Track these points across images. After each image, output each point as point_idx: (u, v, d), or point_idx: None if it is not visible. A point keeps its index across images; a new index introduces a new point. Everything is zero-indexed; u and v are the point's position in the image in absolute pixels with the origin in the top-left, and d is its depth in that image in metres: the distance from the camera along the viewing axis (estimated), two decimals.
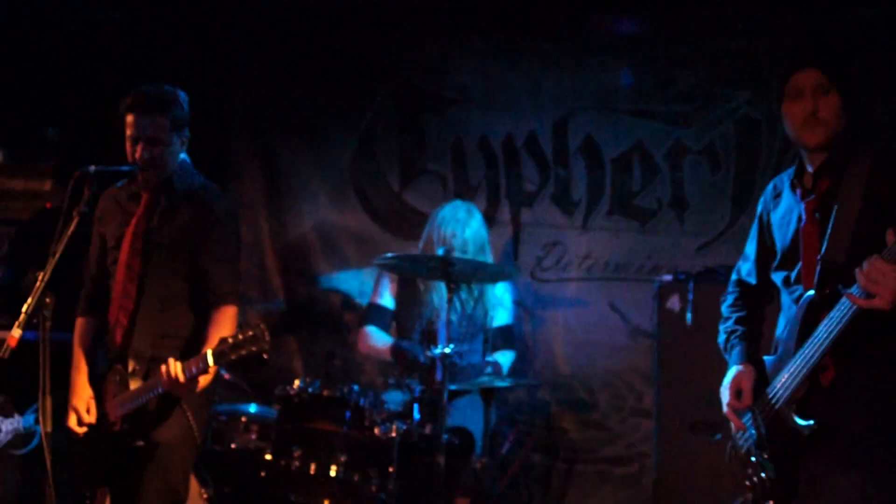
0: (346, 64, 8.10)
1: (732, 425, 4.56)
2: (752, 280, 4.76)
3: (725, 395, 4.48)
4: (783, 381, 4.20)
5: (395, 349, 6.82)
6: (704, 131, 7.37)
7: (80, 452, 5.53)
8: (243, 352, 4.85)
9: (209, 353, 4.94)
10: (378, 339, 7.02)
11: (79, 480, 5.60)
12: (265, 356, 4.90)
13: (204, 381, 5.24)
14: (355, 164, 8.09)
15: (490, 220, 7.69)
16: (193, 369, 5.05)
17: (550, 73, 7.71)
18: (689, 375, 6.41)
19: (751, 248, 4.80)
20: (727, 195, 7.31)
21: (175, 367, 5.05)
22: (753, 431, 4.42)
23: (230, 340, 4.88)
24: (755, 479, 4.40)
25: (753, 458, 4.41)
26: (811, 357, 4.06)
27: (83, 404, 5.45)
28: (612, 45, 7.60)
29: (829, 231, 4.17)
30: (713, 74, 7.34)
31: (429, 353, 6.08)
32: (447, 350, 5.84)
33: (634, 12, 7.53)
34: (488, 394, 6.23)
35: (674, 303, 6.54)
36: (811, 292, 4.17)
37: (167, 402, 5.33)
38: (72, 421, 5.44)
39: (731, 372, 4.51)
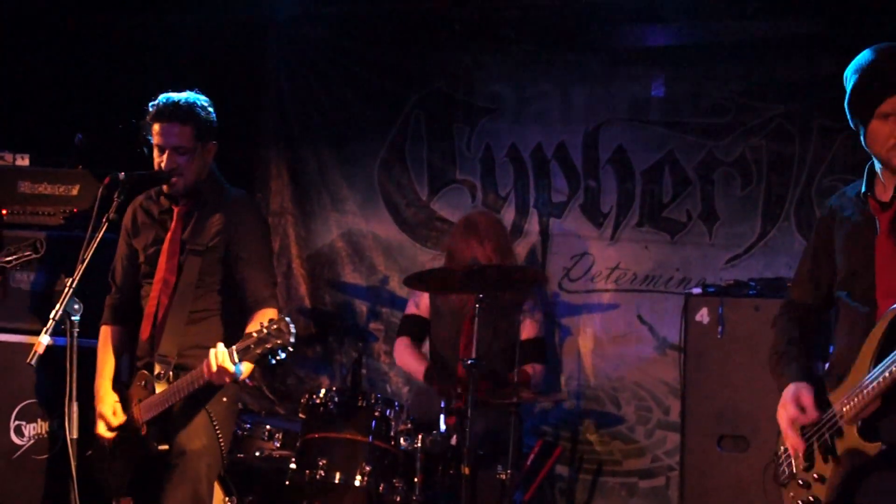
0: (377, 72, 8.09)
1: (782, 446, 4.45)
2: (808, 301, 4.62)
3: (789, 410, 4.27)
4: (849, 398, 4.05)
5: (429, 374, 6.80)
6: (736, 144, 7.32)
7: (104, 460, 5.54)
8: (268, 345, 4.80)
9: (234, 349, 4.93)
10: (412, 356, 7.00)
11: (103, 489, 5.62)
12: (290, 349, 4.86)
13: (248, 368, 5.24)
14: (384, 173, 8.09)
15: (518, 230, 7.71)
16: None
17: (582, 84, 7.69)
18: (716, 389, 6.37)
19: (804, 269, 4.63)
20: (758, 208, 7.27)
21: (223, 356, 4.99)
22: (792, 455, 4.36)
23: (255, 335, 4.85)
24: (799, 501, 4.29)
25: (801, 481, 4.31)
26: (886, 377, 3.88)
27: (109, 409, 5.47)
28: (645, 56, 7.58)
29: None
30: (746, 87, 7.29)
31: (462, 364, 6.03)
32: (474, 361, 5.80)
33: (667, 23, 7.50)
34: (514, 405, 6.20)
35: (702, 316, 6.50)
36: (893, 308, 4.00)
37: (193, 412, 5.35)
38: (101, 428, 5.47)
39: (790, 389, 4.32)
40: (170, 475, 5.33)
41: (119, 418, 5.46)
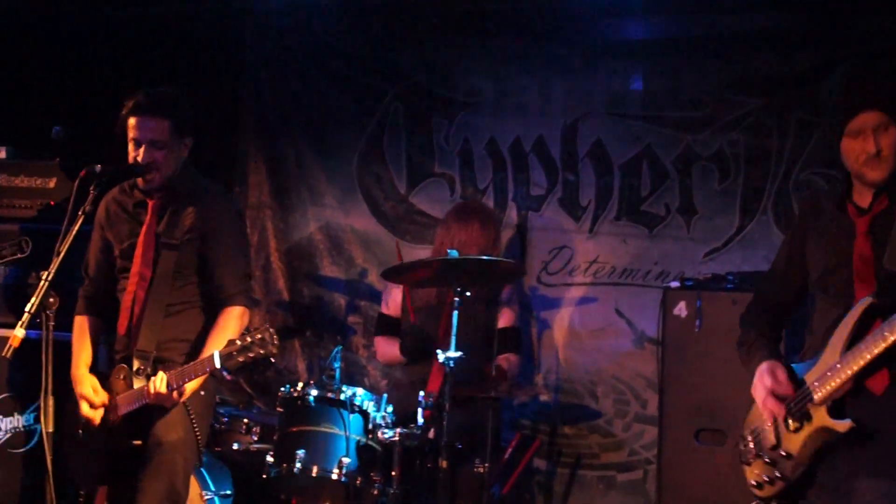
0: (356, 65, 8.07)
1: (747, 428, 4.62)
2: (777, 297, 4.81)
3: (765, 381, 4.44)
4: (820, 380, 4.22)
5: (402, 347, 6.82)
6: (714, 138, 7.33)
7: (79, 452, 5.53)
8: (251, 354, 4.85)
9: (216, 354, 4.94)
10: (388, 345, 7.02)
11: (77, 480, 5.61)
12: (272, 360, 4.88)
13: (192, 387, 5.24)
14: (363, 166, 8.07)
15: None
16: (186, 379, 5.07)
17: (560, 78, 7.68)
18: (694, 383, 6.39)
19: (778, 265, 4.83)
20: (736, 202, 7.28)
21: (161, 382, 5.09)
22: (768, 430, 4.49)
23: (238, 342, 4.87)
24: (764, 478, 4.46)
25: (767, 459, 4.46)
26: (859, 360, 4.06)
27: (88, 388, 5.44)
28: (623, 50, 7.58)
29: (887, 244, 4.22)
30: (724, 81, 7.30)
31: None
32: (453, 355, 5.80)
33: (646, 17, 7.50)
34: (492, 399, 6.20)
35: (680, 309, 6.51)
36: (867, 298, 4.18)
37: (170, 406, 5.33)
38: (84, 409, 5.45)
39: (763, 366, 4.50)
40: (145, 468, 5.32)
41: (101, 396, 5.44)
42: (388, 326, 7.10)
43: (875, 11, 6.83)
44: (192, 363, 5.12)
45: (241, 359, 4.87)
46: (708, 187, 7.34)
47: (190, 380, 5.14)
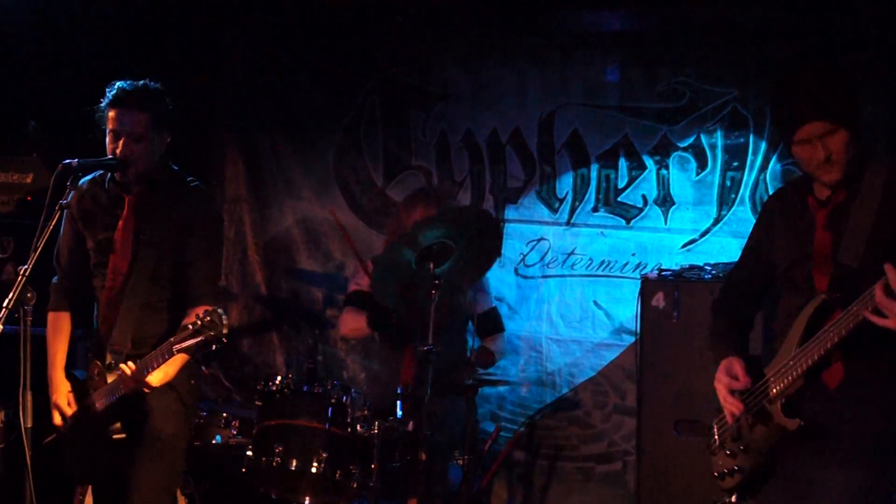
0: (332, 58, 8.06)
1: (714, 418, 4.66)
2: (744, 288, 4.82)
3: (723, 379, 4.47)
4: (776, 376, 4.26)
5: (370, 319, 6.82)
6: (691, 128, 7.35)
7: (64, 449, 5.52)
8: (201, 337, 4.86)
9: (171, 340, 4.96)
10: (353, 316, 6.99)
11: (68, 477, 5.61)
12: (223, 340, 4.89)
13: (165, 373, 5.22)
14: (339, 159, 8.07)
15: None
16: (153, 364, 5.07)
17: (537, 69, 7.69)
18: (672, 373, 6.39)
19: (745, 258, 4.84)
20: (713, 192, 7.30)
21: (129, 369, 5.08)
22: (729, 423, 4.53)
23: (190, 327, 4.90)
24: (725, 469, 4.52)
25: (728, 451, 4.50)
26: (812, 355, 4.10)
27: (63, 399, 5.44)
28: (600, 41, 7.59)
29: (843, 237, 4.22)
30: (701, 71, 7.31)
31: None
32: (431, 347, 5.79)
33: (622, 8, 7.50)
34: (471, 390, 6.20)
35: (658, 300, 6.52)
36: (820, 295, 4.21)
37: (166, 398, 5.33)
38: (56, 419, 5.43)
39: (722, 364, 4.52)
40: (142, 460, 5.32)
41: (72, 409, 5.44)
42: (360, 301, 7.04)
43: (849, 1, 6.86)
44: (151, 353, 5.11)
45: (192, 341, 4.89)
46: (685, 178, 7.36)
47: (152, 369, 5.13)
